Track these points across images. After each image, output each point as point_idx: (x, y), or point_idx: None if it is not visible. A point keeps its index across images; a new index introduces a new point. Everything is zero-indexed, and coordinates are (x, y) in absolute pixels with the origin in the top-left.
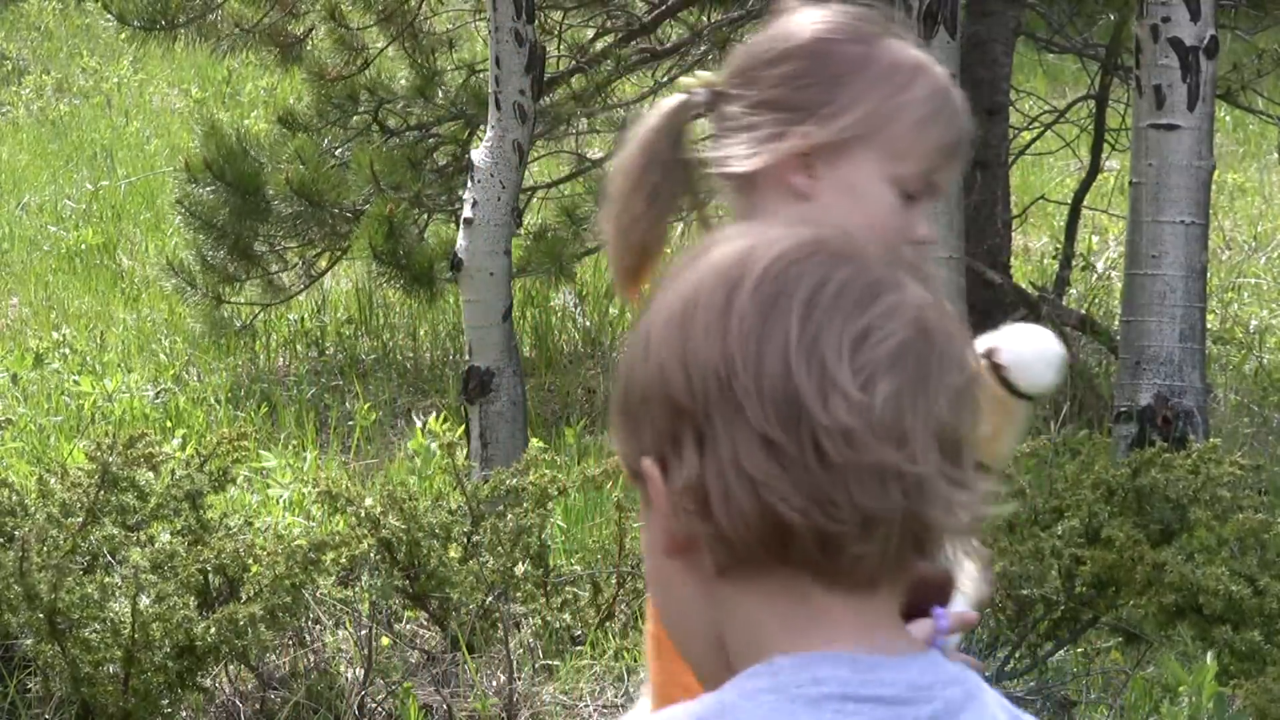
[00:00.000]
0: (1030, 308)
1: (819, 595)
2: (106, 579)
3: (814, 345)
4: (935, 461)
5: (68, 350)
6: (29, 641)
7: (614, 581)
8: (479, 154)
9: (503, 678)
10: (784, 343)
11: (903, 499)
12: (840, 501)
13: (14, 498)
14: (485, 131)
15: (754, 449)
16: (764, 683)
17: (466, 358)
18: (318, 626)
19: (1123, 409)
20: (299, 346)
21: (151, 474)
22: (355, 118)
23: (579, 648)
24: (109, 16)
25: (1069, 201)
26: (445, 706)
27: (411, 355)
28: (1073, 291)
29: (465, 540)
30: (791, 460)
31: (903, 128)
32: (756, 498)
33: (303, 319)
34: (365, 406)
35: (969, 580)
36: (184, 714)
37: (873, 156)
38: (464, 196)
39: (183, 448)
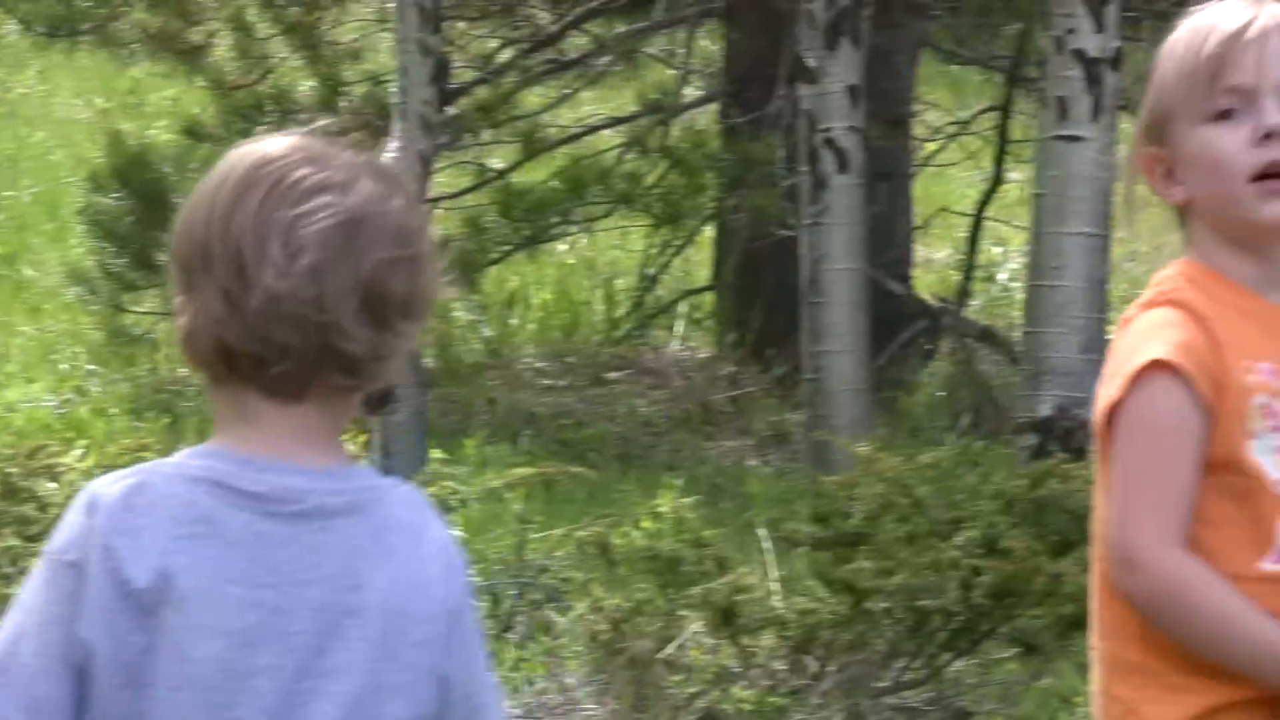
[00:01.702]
0: (932, 319)
1: (254, 402)
2: (6, 590)
3: (261, 226)
4: (351, 312)
5: None
6: None
7: (514, 592)
8: None
9: None
10: (242, 222)
11: (316, 336)
12: (267, 337)
13: None
14: (390, 142)
15: (216, 297)
16: (180, 459)
17: None
18: None
19: (1023, 420)
20: None
21: (52, 485)
22: (260, 128)
23: None
24: (12, 23)
25: (972, 213)
26: None
27: None
28: (974, 303)
29: None
30: (238, 307)
31: None
32: (212, 331)
33: None
34: None
35: None
36: None
37: None
38: None
39: (84, 459)
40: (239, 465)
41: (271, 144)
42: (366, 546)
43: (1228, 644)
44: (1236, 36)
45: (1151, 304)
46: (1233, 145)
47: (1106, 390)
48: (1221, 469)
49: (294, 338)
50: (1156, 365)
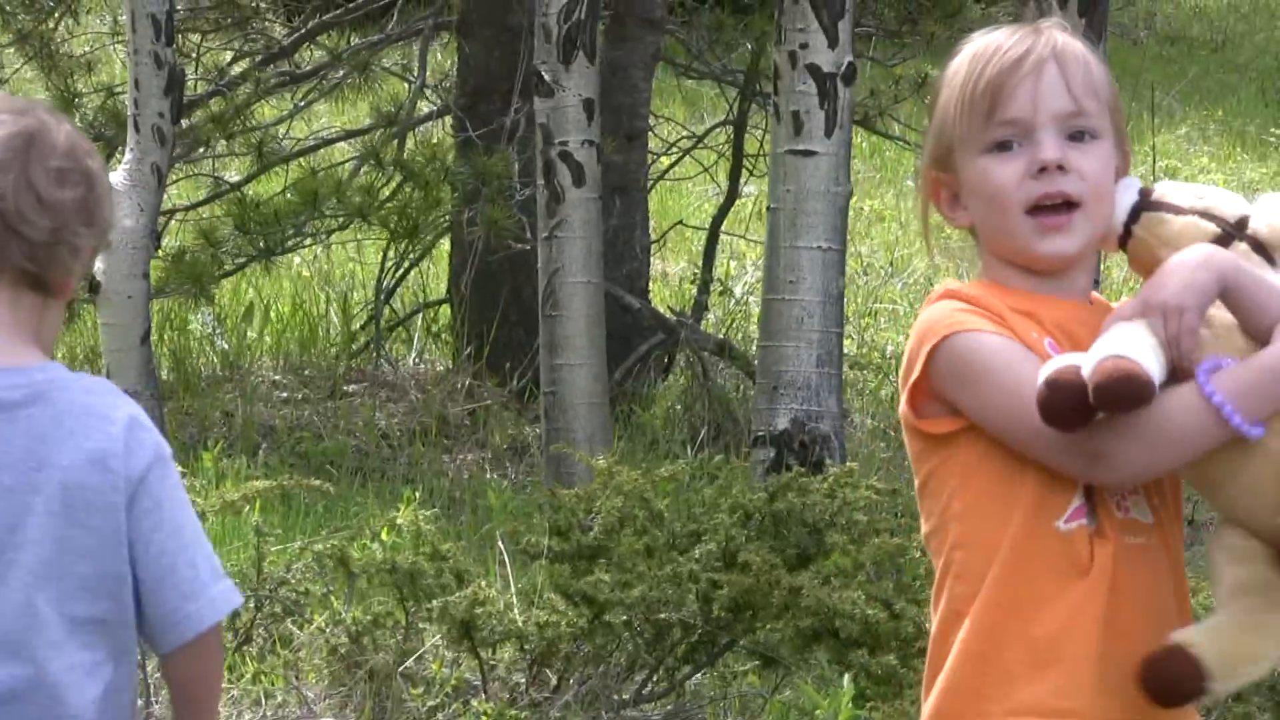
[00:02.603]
0: (669, 333)
1: None
2: None
3: None
4: (31, 204)
5: None
6: None
7: (252, 605)
8: (118, 176)
9: (140, 702)
10: None
11: None
12: None
13: None
14: (124, 154)
15: None
16: None
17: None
18: None
19: (760, 433)
20: None
21: None
22: None
23: None
24: None
25: (707, 227)
26: None
27: None
28: (711, 316)
29: None
30: None
31: None
32: None
33: None
34: None
35: None
36: None
37: None
38: None
39: None
40: None
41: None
42: (48, 431)
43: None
44: (1013, 69)
45: (928, 302)
46: (1009, 177)
47: (908, 377)
48: None
49: None
50: (946, 338)
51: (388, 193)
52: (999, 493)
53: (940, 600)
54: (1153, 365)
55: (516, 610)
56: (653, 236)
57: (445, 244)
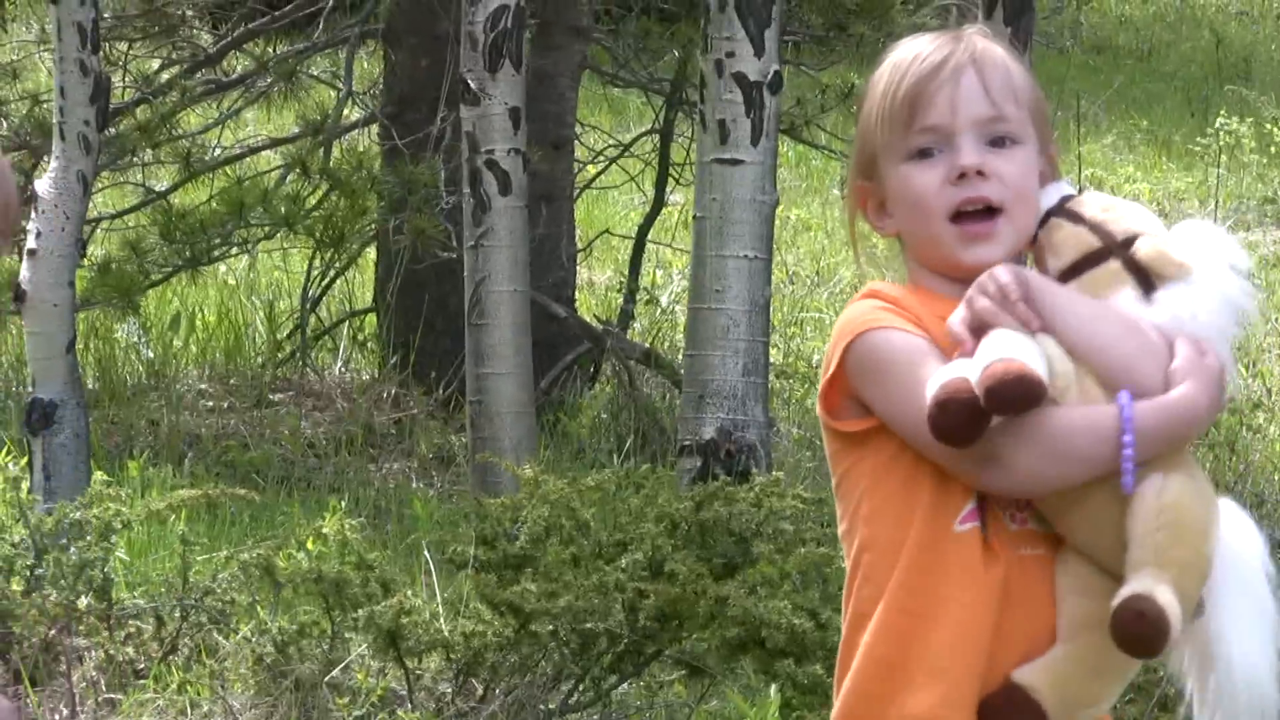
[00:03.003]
0: (595, 341)
1: None
2: None
3: None
4: None
5: None
6: None
7: (178, 615)
8: (43, 185)
9: (65, 711)
10: None
11: None
12: None
13: None
14: (50, 162)
15: None
16: None
17: (29, 389)
18: None
19: (686, 443)
20: None
21: None
22: None
23: (143, 681)
24: None
25: (634, 235)
26: None
27: None
28: (637, 325)
29: (28, 573)
30: None
31: None
32: None
33: None
34: None
35: None
36: None
37: None
38: (28, 227)
39: None
40: None
41: None
42: None
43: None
44: (931, 76)
45: (853, 300)
46: (930, 184)
47: (825, 375)
48: None
49: None
50: (860, 335)
51: (314, 201)
52: (903, 494)
53: (849, 602)
54: (1040, 365)
55: (443, 620)
56: (579, 245)
57: (371, 252)
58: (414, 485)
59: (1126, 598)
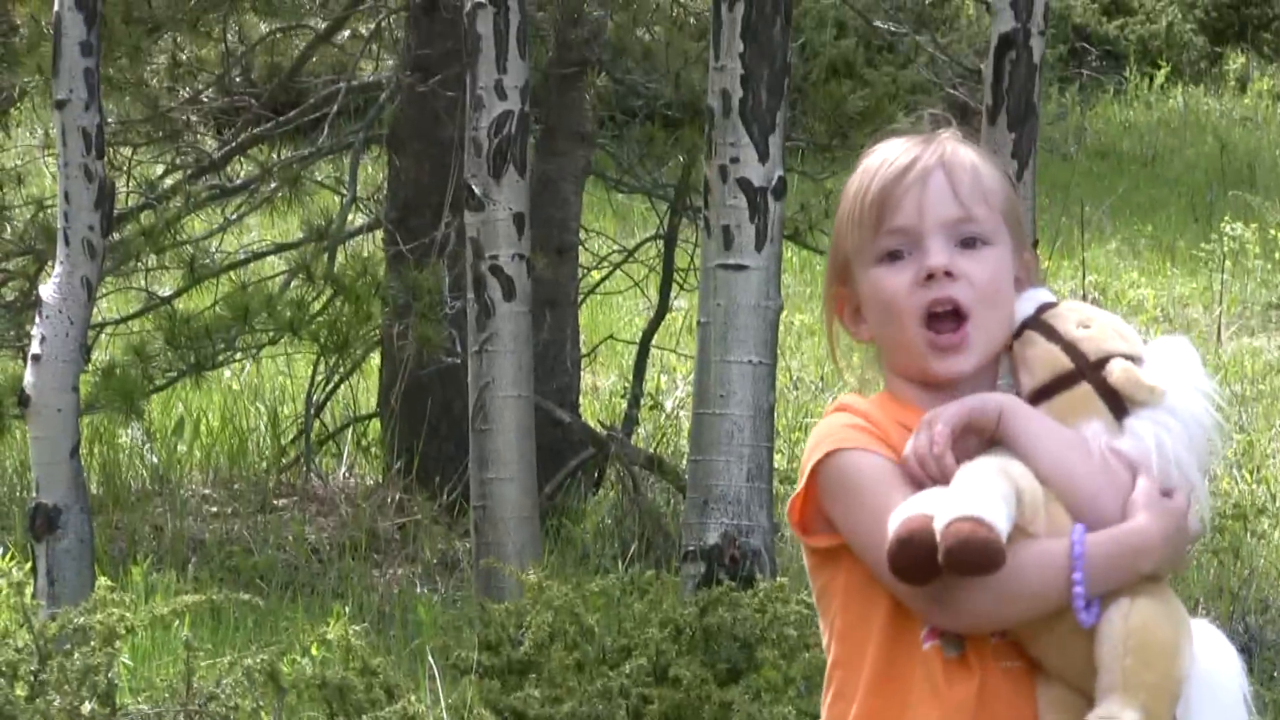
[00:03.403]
0: (599, 446)
1: None
2: None
3: None
4: None
5: None
6: None
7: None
8: (47, 290)
9: None
10: None
11: None
12: None
13: None
14: (54, 267)
15: None
16: None
17: (33, 494)
18: None
19: (690, 548)
20: None
21: None
22: None
23: None
24: None
25: (638, 341)
26: None
27: None
28: (641, 430)
29: (32, 679)
30: None
31: None
32: None
33: None
34: None
35: None
36: None
37: None
38: (32, 333)
39: None
40: None
41: None
42: None
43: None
44: (899, 178)
45: (825, 414)
46: (900, 286)
47: (797, 492)
48: None
49: None
50: (828, 455)
51: (318, 307)
52: (865, 613)
53: (826, 715)
54: (1003, 523)
55: None
56: (583, 350)
57: (375, 358)
58: (418, 590)
59: None
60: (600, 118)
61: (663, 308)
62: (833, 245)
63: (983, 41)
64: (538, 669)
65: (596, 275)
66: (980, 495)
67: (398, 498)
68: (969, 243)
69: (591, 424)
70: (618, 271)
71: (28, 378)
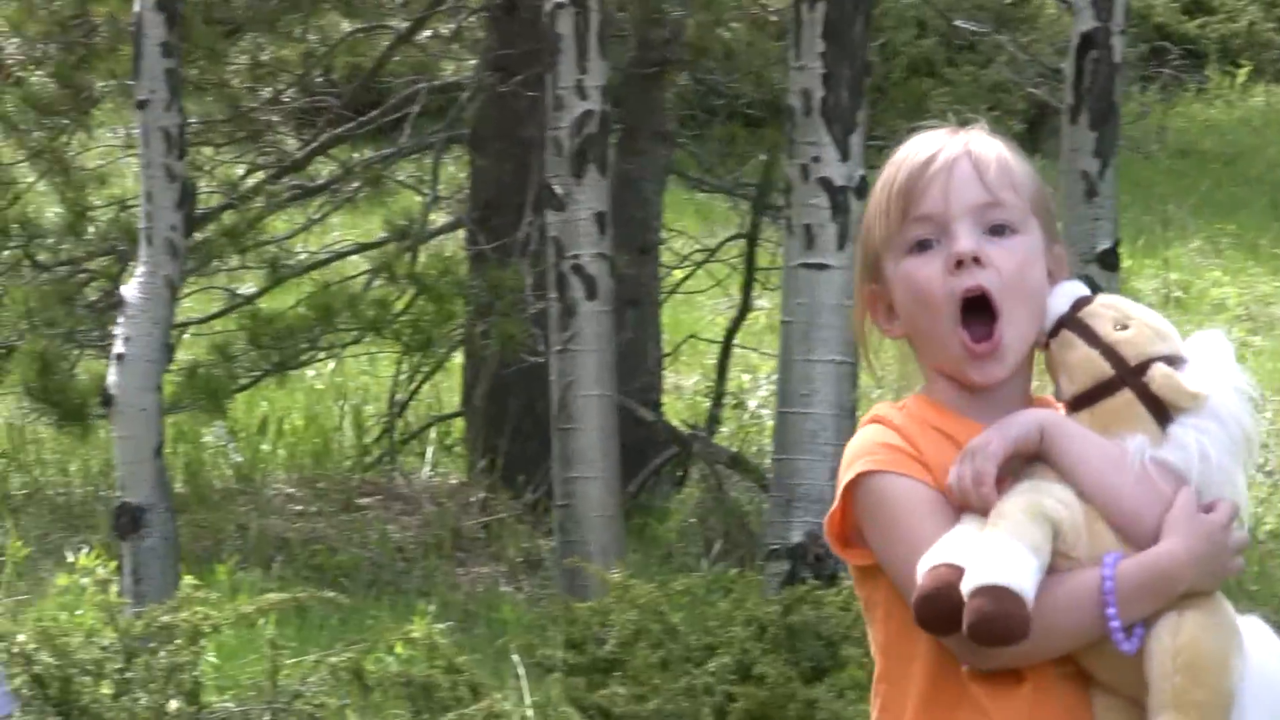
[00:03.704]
0: (682, 445)
1: None
2: None
3: None
4: None
5: None
6: None
7: (267, 718)
8: (130, 290)
9: None
10: None
11: None
12: None
13: None
14: (136, 267)
15: None
16: None
17: (118, 494)
18: None
19: (774, 546)
20: None
21: None
22: (6, 252)
23: None
24: None
25: (720, 340)
26: None
27: (63, 490)
28: (724, 429)
29: (118, 677)
30: None
31: None
32: None
33: None
34: (16, 543)
35: None
36: None
37: None
38: (116, 332)
39: None
40: None
41: None
42: None
43: None
44: (924, 167)
45: (862, 424)
46: (932, 275)
47: (833, 508)
48: None
49: None
50: (861, 476)
51: (401, 306)
52: (908, 630)
53: None
54: (1030, 584)
55: None
56: (665, 349)
57: (458, 357)
58: (502, 589)
59: None
60: (681, 117)
61: (745, 307)
62: (862, 242)
63: (1064, 40)
64: (622, 667)
65: (678, 274)
66: (1007, 556)
67: (481, 496)
68: (997, 230)
69: (674, 423)
70: (699, 271)
71: (111, 377)
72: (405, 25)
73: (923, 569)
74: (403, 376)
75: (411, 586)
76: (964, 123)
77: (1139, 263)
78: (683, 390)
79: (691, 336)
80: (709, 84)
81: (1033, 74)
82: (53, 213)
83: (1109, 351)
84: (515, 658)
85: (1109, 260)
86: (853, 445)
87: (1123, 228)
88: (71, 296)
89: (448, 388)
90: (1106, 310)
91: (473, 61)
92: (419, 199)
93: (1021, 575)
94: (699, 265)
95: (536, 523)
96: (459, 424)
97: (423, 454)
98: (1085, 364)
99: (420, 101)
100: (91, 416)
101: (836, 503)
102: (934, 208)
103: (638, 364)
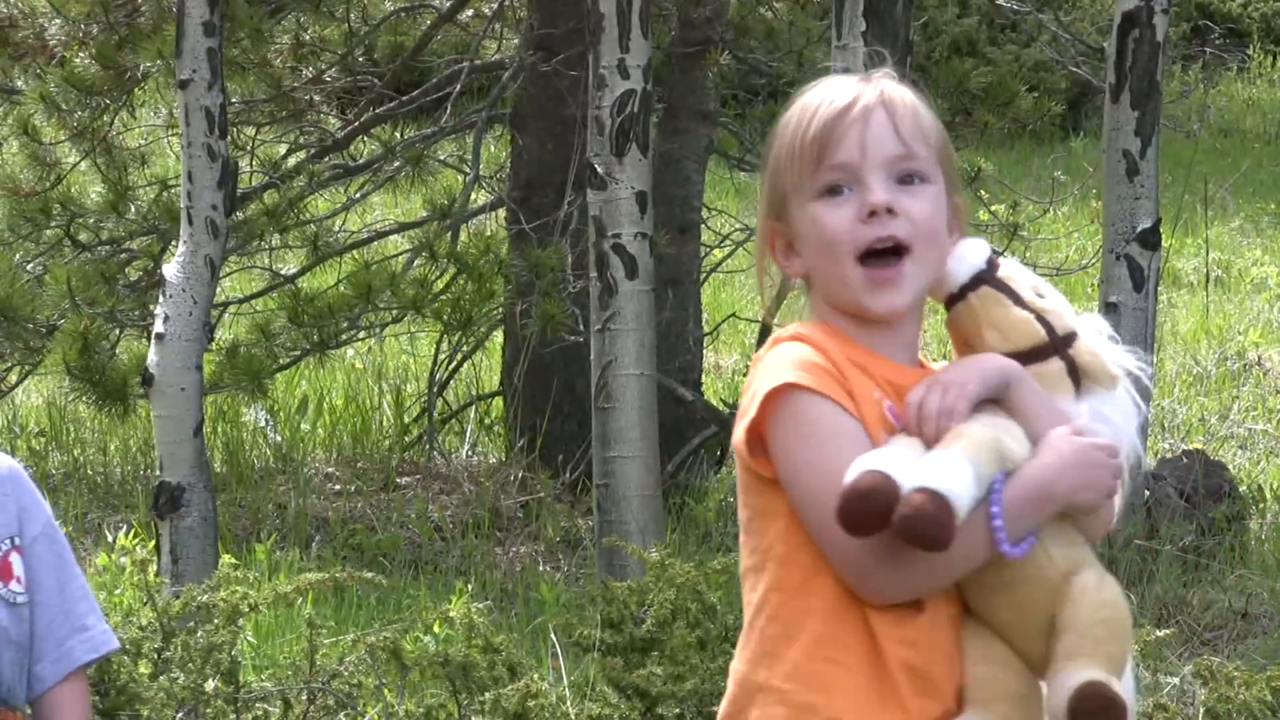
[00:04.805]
0: (722, 425)
1: None
2: None
3: None
4: None
5: None
6: None
7: (305, 698)
8: (171, 269)
9: None
10: None
11: None
12: None
13: None
14: (178, 247)
15: None
16: None
17: (157, 473)
18: None
19: None
20: None
21: None
22: (48, 232)
23: None
24: None
25: (760, 319)
26: None
27: (102, 470)
28: None
29: (156, 656)
30: None
31: None
32: None
33: None
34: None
35: None
36: None
37: None
38: (156, 312)
39: None
40: None
41: None
42: None
43: None
44: (841, 115)
45: (777, 340)
46: (840, 222)
47: (745, 414)
48: None
49: None
50: (789, 387)
51: (441, 285)
52: (813, 550)
53: (750, 638)
54: (964, 507)
55: (569, 703)
56: (705, 329)
57: (498, 336)
58: (540, 568)
59: (1087, 683)
60: (723, 96)
61: (784, 286)
62: (768, 181)
63: (1106, 20)
64: (660, 647)
65: (719, 254)
66: (958, 471)
67: (520, 476)
68: (907, 179)
69: (714, 402)
70: (740, 250)
71: (151, 356)
72: (447, 4)
73: (852, 473)
74: (443, 356)
75: (450, 566)
76: (872, 64)
77: (1179, 241)
78: (722, 370)
79: (732, 315)
80: (750, 63)
81: (1075, 53)
82: (95, 192)
83: (1040, 317)
84: (553, 637)
85: (1150, 239)
86: (776, 357)
87: (1163, 207)
88: (113, 276)
89: (487, 367)
90: (1020, 274)
91: (515, 40)
92: (460, 178)
93: (963, 493)
94: (739, 245)
95: (575, 502)
96: (498, 403)
97: (462, 433)
98: (1022, 325)
99: (462, 81)
100: (132, 396)
101: (751, 414)
102: (849, 157)
103: (678, 343)
